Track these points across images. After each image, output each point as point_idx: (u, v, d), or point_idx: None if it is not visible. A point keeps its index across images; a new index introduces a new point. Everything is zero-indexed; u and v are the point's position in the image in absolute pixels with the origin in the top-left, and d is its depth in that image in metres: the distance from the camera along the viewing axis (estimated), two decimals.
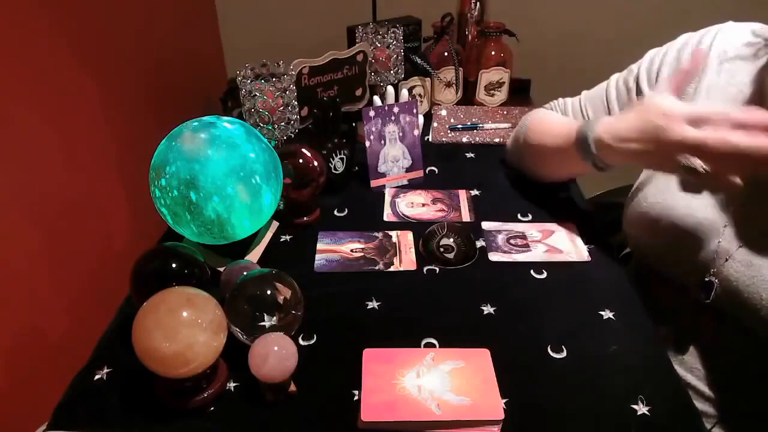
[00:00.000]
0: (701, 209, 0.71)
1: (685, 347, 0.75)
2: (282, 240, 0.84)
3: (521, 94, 1.36)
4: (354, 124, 0.96)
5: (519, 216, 0.89)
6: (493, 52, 1.23)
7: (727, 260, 0.69)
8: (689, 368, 0.75)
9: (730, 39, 0.74)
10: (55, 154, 0.93)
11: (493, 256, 0.80)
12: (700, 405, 0.73)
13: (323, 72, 1.00)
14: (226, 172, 0.63)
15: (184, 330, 0.52)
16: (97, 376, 0.62)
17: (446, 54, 1.21)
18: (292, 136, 0.92)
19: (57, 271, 0.94)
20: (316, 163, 0.82)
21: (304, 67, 0.97)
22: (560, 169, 0.89)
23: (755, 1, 0.65)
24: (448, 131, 1.15)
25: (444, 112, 1.21)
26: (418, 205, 0.92)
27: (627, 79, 0.84)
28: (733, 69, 0.73)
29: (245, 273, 0.62)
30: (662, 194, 0.75)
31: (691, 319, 0.75)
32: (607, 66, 0.90)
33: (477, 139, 1.13)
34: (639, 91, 0.81)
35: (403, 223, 0.88)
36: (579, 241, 0.83)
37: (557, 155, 0.83)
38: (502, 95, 1.27)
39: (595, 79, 0.91)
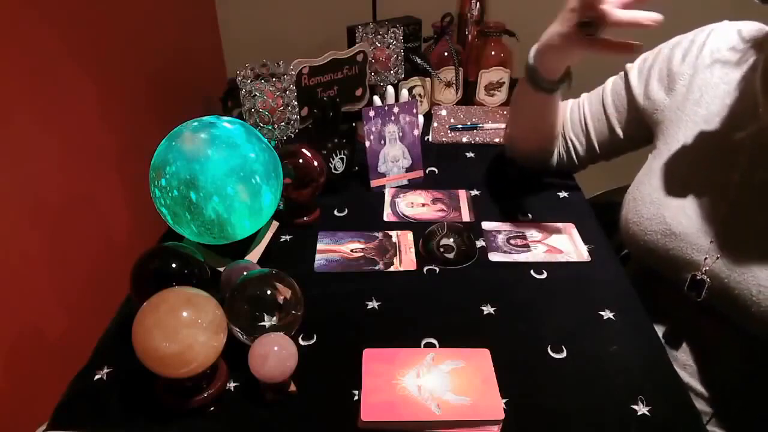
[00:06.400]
0: (693, 207, 0.72)
1: (677, 344, 0.76)
2: (282, 240, 0.84)
3: None
4: (354, 124, 0.95)
5: (519, 216, 0.89)
6: (493, 52, 1.23)
7: (718, 258, 0.69)
8: (682, 365, 0.75)
9: (722, 39, 0.75)
10: (55, 154, 0.93)
11: (493, 256, 0.80)
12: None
13: (323, 72, 1.00)
14: (226, 172, 0.63)
15: (184, 330, 0.52)
16: (97, 376, 0.62)
17: (446, 54, 1.21)
18: (292, 136, 0.92)
19: (57, 271, 0.94)
20: (316, 163, 0.82)
21: (304, 67, 0.97)
22: (531, 115, 0.91)
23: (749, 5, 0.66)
24: (448, 131, 1.15)
25: (444, 112, 1.21)
26: (418, 205, 0.92)
27: (621, 78, 0.86)
28: (725, 68, 0.74)
29: (245, 273, 0.62)
30: (656, 192, 0.75)
31: (684, 317, 0.75)
32: (607, 67, 0.89)
33: (477, 139, 1.13)
34: (628, 85, 0.84)
35: (403, 223, 0.88)
36: (579, 241, 0.83)
37: (523, 103, 0.90)
38: (502, 95, 1.27)
39: (594, 80, 0.91)
